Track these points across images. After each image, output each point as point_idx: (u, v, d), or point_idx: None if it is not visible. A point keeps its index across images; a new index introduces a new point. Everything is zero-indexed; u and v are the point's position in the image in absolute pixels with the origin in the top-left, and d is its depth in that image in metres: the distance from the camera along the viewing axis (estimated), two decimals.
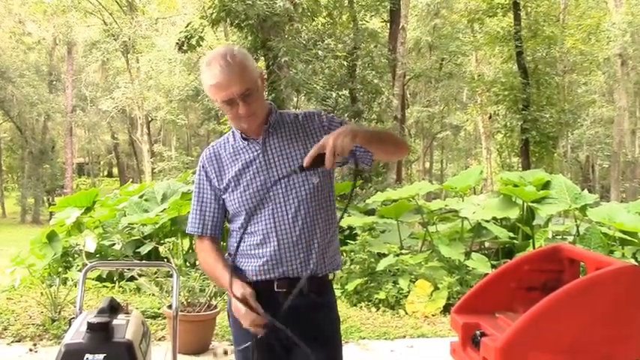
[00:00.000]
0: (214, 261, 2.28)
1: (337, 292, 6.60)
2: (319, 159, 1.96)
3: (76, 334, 2.39)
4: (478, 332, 2.35)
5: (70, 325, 2.65)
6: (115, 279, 7.03)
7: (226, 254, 2.37)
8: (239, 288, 2.10)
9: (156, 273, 6.07)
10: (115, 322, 2.47)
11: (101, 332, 2.33)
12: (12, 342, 5.08)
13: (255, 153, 2.24)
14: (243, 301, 2.07)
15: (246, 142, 2.26)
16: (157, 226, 7.93)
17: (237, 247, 2.24)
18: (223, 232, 2.39)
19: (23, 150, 35.26)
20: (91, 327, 2.32)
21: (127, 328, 2.47)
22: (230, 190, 2.24)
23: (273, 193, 2.20)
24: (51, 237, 7.71)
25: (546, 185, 8.08)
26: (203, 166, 2.30)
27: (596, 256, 2.63)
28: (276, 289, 2.21)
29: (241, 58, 2.15)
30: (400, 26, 15.92)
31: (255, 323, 2.08)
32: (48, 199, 34.86)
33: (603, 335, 2.19)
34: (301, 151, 2.23)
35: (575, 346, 2.16)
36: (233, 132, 2.31)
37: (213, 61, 2.13)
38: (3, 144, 37.33)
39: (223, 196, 2.27)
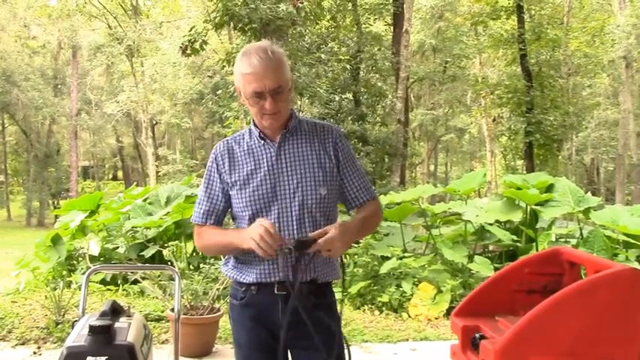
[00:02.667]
0: (217, 231, 2.33)
1: (340, 295, 6.60)
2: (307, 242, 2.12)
3: (78, 336, 2.40)
4: (477, 335, 2.35)
5: (72, 328, 2.66)
6: (118, 282, 7.05)
7: (227, 257, 2.39)
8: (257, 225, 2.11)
9: (159, 276, 6.10)
10: (116, 325, 2.48)
11: (103, 335, 2.34)
12: (16, 345, 5.11)
13: (269, 155, 2.26)
14: (267, 232, 2.07)
15: (262, 142, 2.28)
16: (161, 229, 7.94)
17: None
18: None
19: (28, 153, 35.45)
20: (92, 330, 2.34)
21: (128, 331, 2.48)
22: (238, 187, 2.26)
23: (280, 197, 2.22)
24: (55, 240, 7.73)
25: (550, 188, 8.07)
26: (215, 158, 2.32)
27: (596, 259, 2.64)
28: (276, 292, 2.23)
29: (280, 56, 2.19)
30: (404, 29, 15.92)
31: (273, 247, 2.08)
32: (53, 203, 35.02)
33: (603, 338, 2.20)
34: (314, 159, 2.26)
35: (575, 349, 2.16)
36: (250, 130, 2.32)
37: (252, 52, 2.16)
38: (8, 147, 37.49)
39: (230, 192, 2.29)
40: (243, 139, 2.33)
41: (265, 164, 2.25)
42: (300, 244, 2.11)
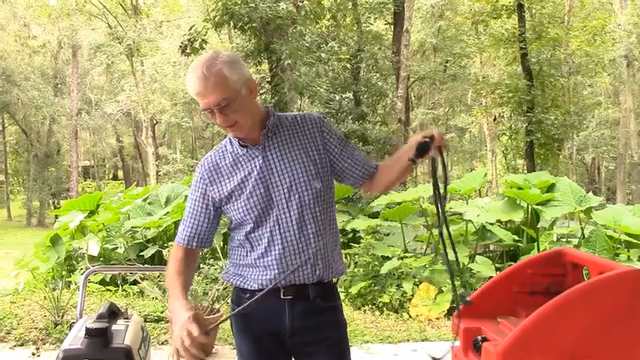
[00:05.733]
0: (175, 279, 2.18)
1: (341, 296, 6.59)
2: (422, 147, 2.06)
3: (75, 339, 2.37)
4: (479, 337, 2.33)
5: (70, 330, 2.63)
6: (118, 282, 7.03)
7: (227, 266, 2.35)
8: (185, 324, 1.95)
9: (159, 276, 6.07)
10: (113, 327, 2.46)
11: (99, 338, 2.31)
12: (15, 346, 5.09)
13: (256, 160, 2.18)
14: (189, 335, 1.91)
15: (245, 150, 2.20)
16: (161, 229, 7.93)
17: (242, 256, 2.23)
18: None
19: (29, 153, 35.43)
20: (89, 332, 2.31)
21: (125, 333, 2.45)
22: (233, 200, 2.19)
23: (276, 199, 2.16)
24: (54, 240, 7.71)
25: (551, 188, 8.05)
26: (201, 178, 2.24)
27: (599, 260, 2.61)
28: (282, 297, 2.18)
29: (219, 68, 2.06)
30: (404, 28, 15.88)
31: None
32: (53, 202, 34.98)
33: (606, 340, 2.17)
34: (302, 154, 2.20)
35: (578, 352, 2.13)
36: (230, 139, 2.25)
37: (191, 71, 2.09)
38: (9, 147, 37.48)
39: (225, 207, 2.22)
40: (226, 150, 2.25)
41: (254, 170, 2.17)
42: (424, 145, 2.07)
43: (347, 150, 2.29)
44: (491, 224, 7.66)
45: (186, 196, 8.19)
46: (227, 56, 2.14)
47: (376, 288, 6.83)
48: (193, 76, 2.07)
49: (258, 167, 2.18)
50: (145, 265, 7.15)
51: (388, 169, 2.29)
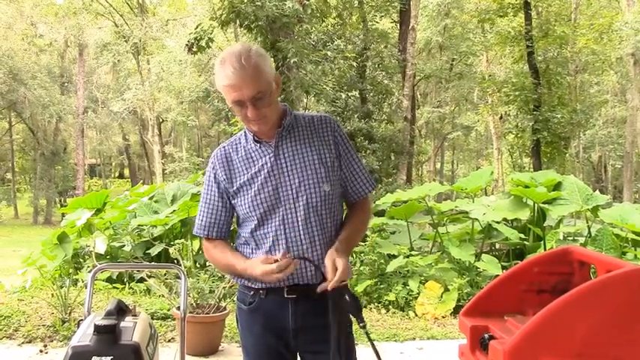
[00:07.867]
0: (222, 253, 2.27)
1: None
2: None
3: (83, 336, 2.38)
4: (486, 335, 2.32)
5: (78, 327, 2.65)
6: (125, 280, 7.05)
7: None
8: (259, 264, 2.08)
9: (165, 274, 6.09)
10: (122, 324, 2.47)
11: (108, 335, 2.32)
12: (23, 343, 5.11)
13: (267, 157, 2.19)
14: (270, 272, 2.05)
15: (258, 145, 2.21)
16: (167, 227, 7.95)
17: (247, 253, 2.24)
18: (231, 235, 2.36)
19: (35, 151, 35.59)
20: (97, 329, 2.32)
21: (134, 330, 2.46)
22: (241, 194, 2.20)
23: (283, 199, 2.17)
24: (61, 238, 7.74)
25: (557, 186, 8.03)
26: (213, 168, 2.26)
27: (607, 258, 2.60)
28: (286, 296, 2.19)
29: (256, 61, 2.08)
30: (410, 27, 15.87)
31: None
32: (60, 201, 35.16)
33: (614, 339, 2.16)
34: (314, 156, 2.20)
35: (585, 350, 2.13)
36: (245, 132, 2.26)
37: (227, 61, 2.07)
38: (15, 145, 37.64)
39: (233, 201, 2.23)
40: (240, 143, 2.26)
41: (265, 167, 2.18)
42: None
43: (352, 163, 2.29)
44: (498, 223, 7.65)
45: (192, 194, 8.22)
46: (259, 50, 2.16)
47: (382, 286, 6.84)
48: (227, 67, 2.06)
49: (269, 164, 2.19)
50: (152, 263, 7.17)
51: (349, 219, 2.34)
